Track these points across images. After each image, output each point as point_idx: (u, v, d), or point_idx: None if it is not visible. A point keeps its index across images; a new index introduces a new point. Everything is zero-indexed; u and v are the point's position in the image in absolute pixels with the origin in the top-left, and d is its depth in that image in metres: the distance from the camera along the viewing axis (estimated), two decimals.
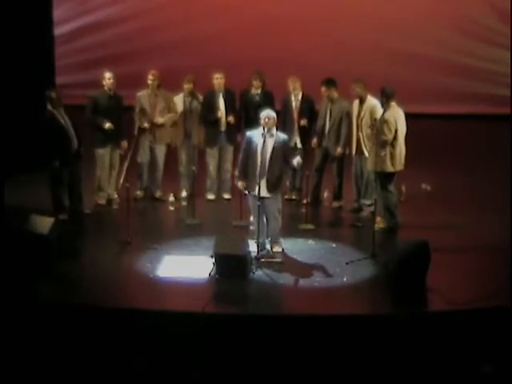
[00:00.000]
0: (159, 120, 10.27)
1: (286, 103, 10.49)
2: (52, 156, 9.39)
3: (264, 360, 6.78)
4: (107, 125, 9.97)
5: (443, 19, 14.31)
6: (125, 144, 10.26)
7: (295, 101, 10.43)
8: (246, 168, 8.52)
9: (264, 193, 8.39)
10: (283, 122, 10.10)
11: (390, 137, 9.12)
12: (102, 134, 10.07)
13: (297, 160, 8.42)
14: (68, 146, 9.51)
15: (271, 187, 8.42)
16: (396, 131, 9.14)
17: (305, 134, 10.43)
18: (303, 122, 10.31)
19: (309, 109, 10.41)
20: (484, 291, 7.52)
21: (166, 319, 7.09)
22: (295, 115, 10.40)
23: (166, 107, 10.35)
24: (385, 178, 9.26)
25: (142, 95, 10.37)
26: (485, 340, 6.96)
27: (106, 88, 10.14)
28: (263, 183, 8.38)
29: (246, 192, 8.64)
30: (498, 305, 7.25)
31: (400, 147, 9.23)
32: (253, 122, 9.46)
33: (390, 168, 9.22)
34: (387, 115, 9.15)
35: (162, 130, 10.39)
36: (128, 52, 14.80)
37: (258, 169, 8.38)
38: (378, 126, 9.16)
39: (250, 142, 8.51)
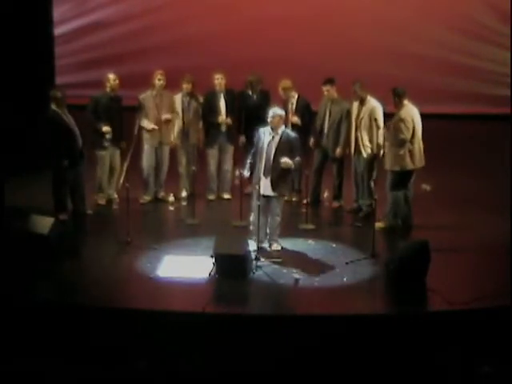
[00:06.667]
0: (167, 116, 10.22)
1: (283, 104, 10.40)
2: (61, 156, 9.38)
3: (264, 360, 6.78)
4: (104, 128, 9.95)
5: (443, 19, 14.29)
6: (123, 144, 10.25)
7: (290, 102, 10.33)
8: (254, 163, 8.59)
9: (268, 191, 8.43)
10: None
11: (407, 135, 9.10)
12: (101, 137, 10.02)
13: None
14: (75, 145, 9.50)
15: (275, 186, 8.47)
16: (413, 129, 9.15)
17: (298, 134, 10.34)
18: (296, 120, 10.21)
19: (304, 110, 10.33)
20: (484, 291, 7.51)
21: (166, 319, 7.09)
22: (290, 116, 10.29)
23: (170, 108, 10.33)
24: (402, 176, 9.22)
25: (146, 96, 10.30)
26: (485, 340, 6.96)
27: (108, 89, 10.10)
28: (268, 182, 8.43)
29: (251, 188, 8.69)
30: (498, 305, 7.25)
31: (419, 144, 9.23)
32: (250, 122, 9.41)
33: (410, 165, 9.19)
34: (403, 114, 9.12)
35: (167, 130, 10.37)
36: (128, 52, 14.79)
37: (263, 167, 8.42)
38: (392, 126, 9.15)
39: (258, 138, 8.58)
